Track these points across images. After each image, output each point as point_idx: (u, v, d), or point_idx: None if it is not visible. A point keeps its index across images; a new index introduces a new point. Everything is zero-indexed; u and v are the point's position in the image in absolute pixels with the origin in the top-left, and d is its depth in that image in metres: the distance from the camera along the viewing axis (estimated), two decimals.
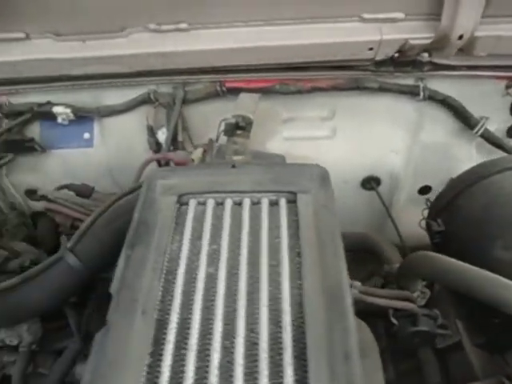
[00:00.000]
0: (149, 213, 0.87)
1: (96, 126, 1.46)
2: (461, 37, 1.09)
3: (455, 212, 1.16)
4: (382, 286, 1.11)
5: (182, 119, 1.37)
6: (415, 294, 1.04)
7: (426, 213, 1.24)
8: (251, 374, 0.67)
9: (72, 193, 1.30)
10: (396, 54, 1.21)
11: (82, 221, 1.18)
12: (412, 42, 1.13)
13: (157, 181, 0.94)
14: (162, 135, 1.34)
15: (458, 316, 1.07)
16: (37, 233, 1.58)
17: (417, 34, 1.14)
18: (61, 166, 1.49)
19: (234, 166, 0.94)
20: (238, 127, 1.29)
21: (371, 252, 1.31)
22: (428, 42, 1.14)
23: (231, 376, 0.67)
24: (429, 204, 1.25)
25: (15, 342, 1.04)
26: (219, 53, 1.18)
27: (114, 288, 0.74)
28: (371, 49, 1.15)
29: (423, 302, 1.05)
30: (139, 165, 1.35)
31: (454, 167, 1.51)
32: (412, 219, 1.69)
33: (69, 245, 1.00)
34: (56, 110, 1.35)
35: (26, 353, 1.04)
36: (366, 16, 1.13)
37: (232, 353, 0.69)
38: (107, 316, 0.70)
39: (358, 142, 1.40)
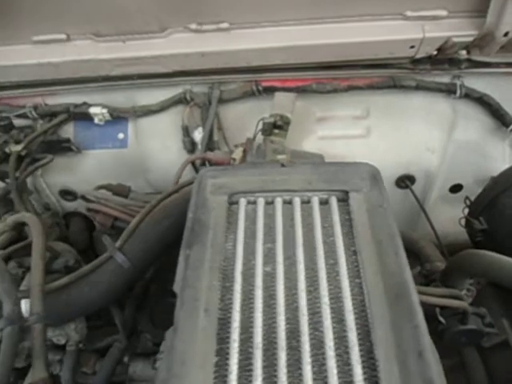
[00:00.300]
0: (202, 212, 0.88)
1: (130, 127, 1.47)
2: (506, 34, 1.08)
3: (498, 210, 1.15)
4: (426, 284, 1.11)
5: (217, 119, 1.37)
6: (462, 293, 1.03)
7: (466, 211, 1.24)
8: (320, 373, 0.67)
9: (110, 193, 1.31)
10: (434, 52, 1.21)
11: (122, 220, 1.19)
12: (454, 39, 1.12)
13: (207, 180, 0.94)
14: (199, 135, 1.35)
15: (505, 314, 1.06)
16: (69, 233, 1.59)
17: (460, 31, 1.13)
18: (95, 167, 1.50)
19: (283, 165, 0.94)
20: (276, 126, 1.30)
21: (408, 250, 1.30)
22: (470, 39, 1.13)
23: (300, 374, 0.67)
24: (468, 202, 1.25)
25: (63, 342, 1.05)
26: (258, 52, 1.19)
27: (177, 287, 0.75)
28: (412, 47, 1.15)
29: (469, 301, 1.05)
30: (180, 165, 1.37)
31: (487, 165, 1.50)
32: (442, 217, 1.68)
33: (117, 244, 1.01)
34: (93, 110, 1.36)
35: (73, 352, 1.04)
36: (409, 14, 1.12)
37: (299, 351, 0.70)
38: (174, 314, 0.70)
39: (392, 140, 1.40)
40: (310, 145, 1.39)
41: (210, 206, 0.90)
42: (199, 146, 1.38)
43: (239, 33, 1.17)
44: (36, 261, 0.93)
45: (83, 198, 1.26)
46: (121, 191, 1.30)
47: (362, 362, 0.68)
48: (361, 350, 0.69)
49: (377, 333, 0.70)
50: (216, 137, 1.36)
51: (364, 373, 0.66)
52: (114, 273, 0.98)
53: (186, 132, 1.38)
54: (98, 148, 1.48)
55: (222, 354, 0.70)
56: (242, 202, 0.92)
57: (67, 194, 1.54)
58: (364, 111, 1.40)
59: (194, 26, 1.16)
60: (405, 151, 1.38)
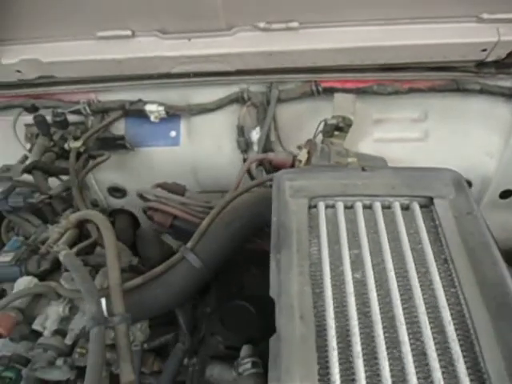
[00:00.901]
0: (284, 216, 0.86)
1: (183, 125, 1.46)
2: None
3: None
4: None
5: (274, 119, 1.36)
6: None
7: None
8: None
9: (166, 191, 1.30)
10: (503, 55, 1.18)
11: (182, 219, 1.18)
12: None
13: (285, 183, 0.93)
14: (256, 135, 1.33)
15: None
16: (115, 230, 1.59)
17: None
18: (145, 164, 1.49)
19: (363, 169, 0.92)
20: (337, 128, 1.28)
21: None
22: None
23: None
24: None
25: None
26: (325, 52, 1.17)
27: (273, 292, 0.74)
28: (484, 50, 1.12)
29: None
30: (232, 165, 1.36)
31: None
32: (490, 222, 1.66)
33: (189, 245, 1.00)
34: (149, 108, 1.35)
35: (139, 352, 1.04)
36: (485, 16, 1.10)
37: (402, 361, 0.68)
38: (276, 321, 0.69)
39: (451, 144, 1.37)
40: (365, 147, 1.37)
41: (291, 210, 0.88)
42: (254, 147, 1.36)
43: (307, 32, 1.15)
44: (112, 260, 0.93)
45: (141, 196, 1.25)
46: (177, 190, 1.29)
47: (469, 374, 0.67)
48: (466, 362, 0.68)
49: (481, 345, 0.68)
50: (273, 137, 1.35)
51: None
52: (186, 274, 0.97)
53: (242, 132, 1.37)
54: (149, 145, 1.47)
55: (323, 362, 0.69)
56: (321, 205, 0.91)
57: (116, 191, 1.54)
58: (422, 114, 1.37)
59: (262, 25, 1.14)
60: (463, 156, 1.35)
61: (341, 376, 0.67)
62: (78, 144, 1.26)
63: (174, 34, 1.18)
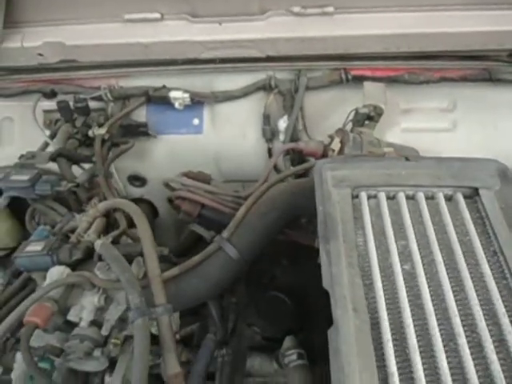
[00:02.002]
0: (329, 206, 0.85)
1: (206, 112, 1.42)
2: None
3: None
4: None
5: (301, 107, 1.33)
6: None
7: None
8: (486, 377, 0.65)
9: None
10: None
11: (212, 209, 1.16)
12: None
13: (327, 172, 0.91)
14: (284, 124, 1.30)
15: None
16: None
17: None
18: (166, 152, 1.46)
19: (407, 159, 0.90)
20: (368, 117, 1.26)
21: None
22: None
23: (465, 378, 0.65)
24: None
25: None
26: (359, 39, 1.14)
27: (326, 284, 0.72)
28: None
29: None
30: (256, 154, 1.33)
31: None
32: None
33: (225, 235, 0.98)
34: (173, 94, 1.31)
35: None
36: None
37: (459, 354, 0.67)
38: (332, 313, 0.68)
39: (480, 135, 1.35)
40: (393, 137, 1.35)
41: (335, 200, 0.87)
42: (280, 135, 1.34)
43: (342, 18, 1.12)
44: (149, 250, 0.91)
45: (167, 185, 1.23)
46: (203, 179, 1.26)
47: None
48: None
49: None
50: (300, 125, 1.32)
51: None
52: (222, 264, 0.96)
53: (268, 120, 1.33)
54: (170, 133, 1.44)
55: (379, 354, 0.68)
56: (363, 195, 0.89)
57: (136, 179, 1.51)
58: (450, 104, 1.35)
59: (297, 9, 1.11)
60: (492, 147, 1.34)
61: (398, 368, 0.66)
62: (102, 131, 1.23)
63: (205, 17, 1.15)
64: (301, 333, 0.92)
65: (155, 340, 0.90)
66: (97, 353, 0.88)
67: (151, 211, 1.62)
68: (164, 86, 1.34)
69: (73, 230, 1.06)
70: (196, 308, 1.22)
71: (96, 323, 0.92)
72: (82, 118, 1.30)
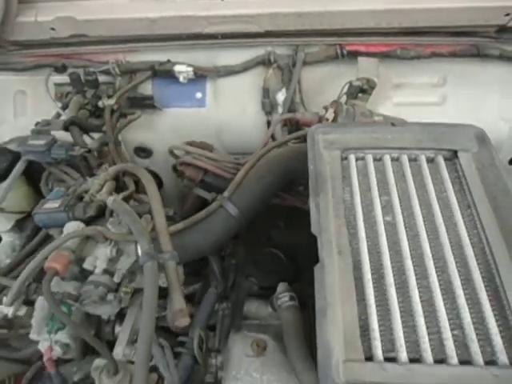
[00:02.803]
0: (320, 165, 0.93)
1: (209, 86, 1.50)
2: None
3: None
4: None
5: (298, 81, 1.40)
6: None
7: None
8: (453, 309, 0.74)
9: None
10: None
11: (214, 174, 1.24)
12: None
13: (319, 136, 0.99)
14: (282, 96, 1.38)
15: None
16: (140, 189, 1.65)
17: None
18: (171, 125, 1.54)
19: (393, 125, 0.98)
20: (362, 90, 1.33)
21: None
22: None
23: (435, 310, 0.74)
24: None
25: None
26: (352, 14, 1.20)
27: (314, 229, 0.81)
28: (507, 14, 1.17)
29: None
30: (256, 126, 1.41)
31: None
32: None
33: (226, 194, 1.06)
34: (178, 68, 1.38)
35: None
36: None
37: (430, 290, 0.77)
38: (319, 253, 0.77)
39: (467, 108, 1.42)
40: (385, 111, 1.41)
41: (325, 160, 0.95)
42: (279, 108, 1.41)
43: None
44: (156, 207, 1.00)
45: (171, 152, 1.31)
46: (205, 148, 1.35)
47: (490, 300, 0.75)
48: (487, 290, 0.76)
49: (501, 277, 0.76)
50: (298, 98, 1.40)
51: (493, 310, 0.74)
52: (223, 221, 1.05)
53: (267, 93, 1.41)
54: (175, 106, 1.51)
55: (360, 291, 0.77)
56: (352, 157, 0.97)
57: (142, 151, 1.59)
58: (441, 79, 1.42)
59: None
60: (478, 119, 1.39)
61: (376, 301, 0.75)
62: (112, 101, 1.31)
63: None
64: (293, 284, 1.01)
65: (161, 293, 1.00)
66: (110, 297, 0.98)
67: (156, 182, 1.71)
68: (169, 61, 1.41)
69: (85, 192, 1.16)
70: (198, 268, 1.33)
71: (108, 272, 1.02)
72: (91, 90, 1.38)
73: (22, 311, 0.95)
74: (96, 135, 1.41)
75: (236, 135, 1.52)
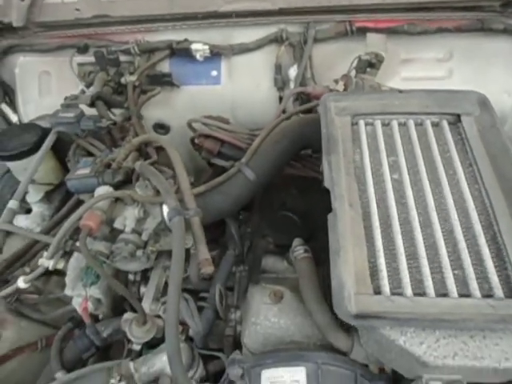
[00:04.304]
0: (332, 129, 1.00)
1: (223, 64, 1.57)
2: None
3: None
4: None
5: (309, 57, 1.47)
6: None
7: None
8: (454, 252, 0.82)
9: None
10: None
11: (231, 145, 1.32)
12: None
13: (331, 103, 1.06)
14: (294, 72, 1.44)
15: None
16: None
17: None
18: (188, 102, 1.61)
19: (400, 92, 1.05)
20: (370, 64, 1.39)
21: None
22: None
23: (437, 253, 0.82)
24: None
25: (189, 245, 1.21)
26: None
27: (327, 183, 0.89)
28: None
29: None
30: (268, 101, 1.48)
31: None
32: None
33: (243, 160, 1.14)
34: (195, 47, 1.46)
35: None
36: None
37: (433, 237, 0.84)
38: (332, 204, 0.85)
39: (473, 82, 1.46)
40: (393, 85, 1.47)
41: (337, 125, 1.02)
42: (291, 83, 1.48)
43: None
44: (180, 170, 1.08)
45: (189, 126, 1.39)
46: (222, 121, 1.42)
47: (489, 245, 0.82)
48: (486, 236, 0.83)
49: (499, 225, 0.83)
50: (309, 74, 1.46)
51: (491, 253, 0.81)
52: (241, 184, 1.13)
53: (279, 70, 1.48)
54: (191, 84, 1.59)
55: (369, 237, 0.85)
56: (361, 123, 1.04)
57: (160, 127, 1.67)
58: (447, 54, 1.48)
59: None
60: (484, 93, 1.47)
61: (384, 247, 0.83)
62: (133, 78, 1.39)
63: None
64: (307, 242, 1.09)
65: None
66: (139, 253, 1.07)
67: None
68: (186, 39, 1.48)
69: (112, 160, 1.24)
70: (216, 237, 1.41)
71: (137, 232, 1.11)
72: (113, 69, 1.46)
73: (61, 264, 1.05)
74: (117, 112, 1.51)
75: (250, 111, 1.59)
